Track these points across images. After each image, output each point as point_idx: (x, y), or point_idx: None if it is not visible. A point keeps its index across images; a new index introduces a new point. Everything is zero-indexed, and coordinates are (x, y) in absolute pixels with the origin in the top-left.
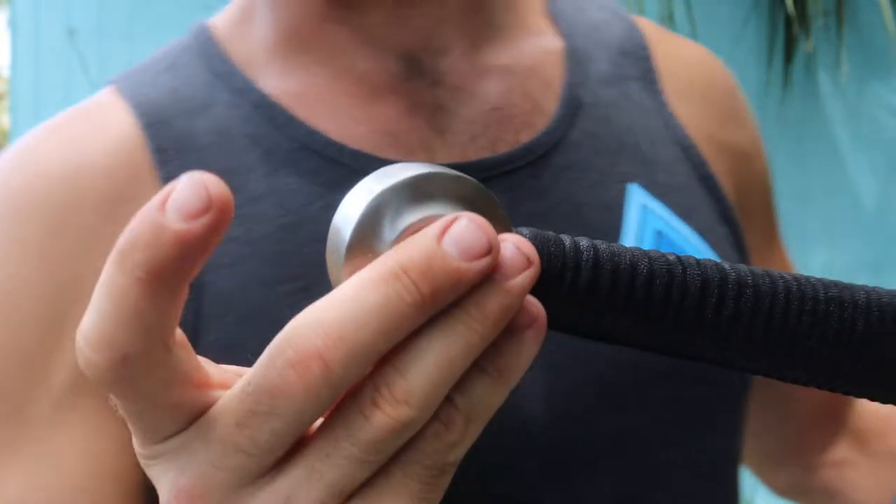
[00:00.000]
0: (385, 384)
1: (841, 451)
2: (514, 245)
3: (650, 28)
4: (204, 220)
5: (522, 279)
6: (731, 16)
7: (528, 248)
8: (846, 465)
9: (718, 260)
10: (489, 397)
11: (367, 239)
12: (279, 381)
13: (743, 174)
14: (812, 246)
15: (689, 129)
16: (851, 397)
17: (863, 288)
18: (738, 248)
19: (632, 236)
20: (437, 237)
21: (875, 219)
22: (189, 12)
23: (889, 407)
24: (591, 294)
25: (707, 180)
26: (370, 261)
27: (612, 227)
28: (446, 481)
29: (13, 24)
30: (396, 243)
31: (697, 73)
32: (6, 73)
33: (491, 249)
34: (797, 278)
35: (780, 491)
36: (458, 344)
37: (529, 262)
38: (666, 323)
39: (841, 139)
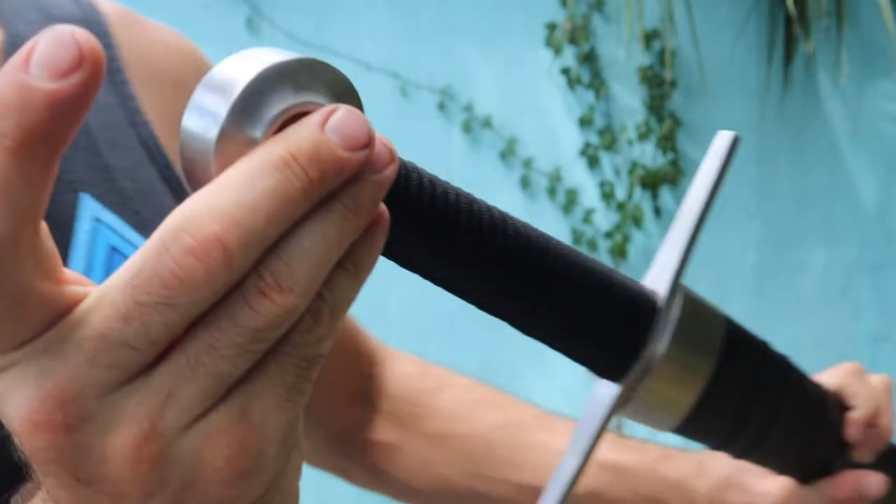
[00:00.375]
0: (270, 273)
1: (382, 432)
2: (381, 140)
3: (114, 11)
4: (76, 78)
5: (389, 172)
6: (731, 16)
7: (391, 144)
8: (389, 447)
9: None
10: (348, 292)
11: (244, 124)
12: (177, 269)
13: None
14: (812, 246)
15: (157, 124)
16: (375, 378)
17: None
18: None
19: (83, 254)
20: (321, 125)
21: (875, 219)
22: (187, 12)
23: (424, 389)
24: (429, 202)
25: (172, 183)
26: (245, 147)
27: (61, 242)
28: (315, 374)
29: None
30: (273, 130)
31: (168, 59)
32: None
33: (370, 141)
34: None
35: (330, 469)
36: (336, 233)
37: (393, 157)
38: (492, 244)
39: (841, 139)
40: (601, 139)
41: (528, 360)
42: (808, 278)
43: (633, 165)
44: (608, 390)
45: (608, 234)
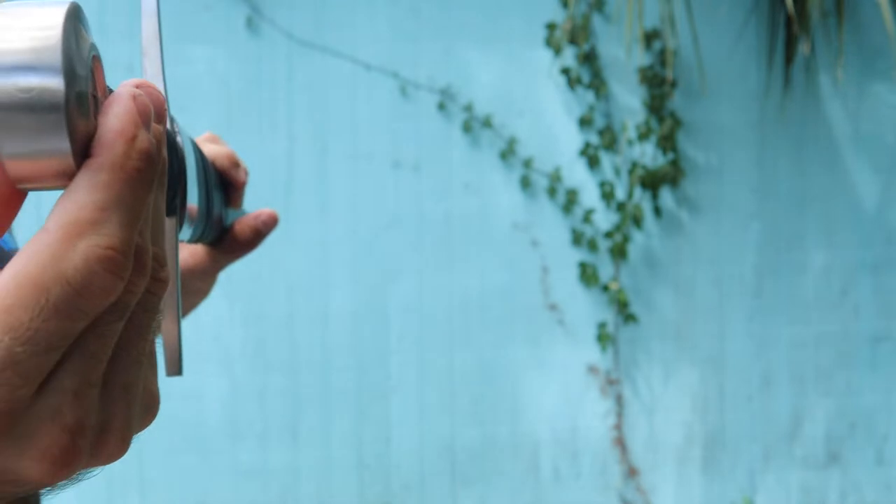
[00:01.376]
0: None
1: None
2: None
3: None
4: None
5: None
6: (731, 16)
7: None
8: None
9: None
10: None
11: (75, 66)
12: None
13: None
14: (812, 246)
15: None
16: None
17: None
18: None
19: None
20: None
21: (874, 219)
22: (189, 12)
23: None
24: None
25: None
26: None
27: None
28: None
29: None
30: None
31: None
32: None
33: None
34: None
35: None
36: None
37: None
38: None
39: (840, 139)
40: (601, 139)
41: (527, 360)
42: (808, 278)
43: (633, 165)
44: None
45: (608, 234)
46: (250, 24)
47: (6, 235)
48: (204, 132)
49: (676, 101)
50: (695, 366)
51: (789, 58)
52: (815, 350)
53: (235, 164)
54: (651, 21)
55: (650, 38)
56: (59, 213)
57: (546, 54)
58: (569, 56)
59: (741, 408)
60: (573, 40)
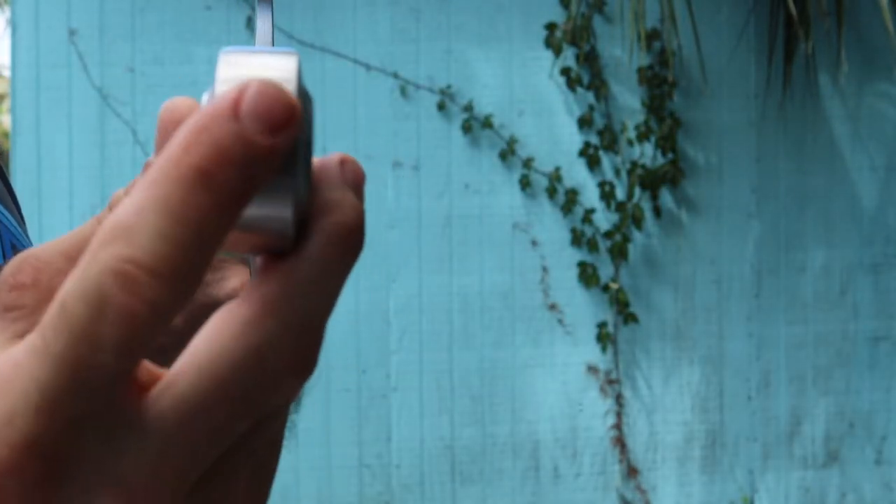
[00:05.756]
0: None
1: None
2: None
3: None
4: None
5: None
6: (731, 16)
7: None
8: None
9: None
10: None
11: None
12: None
13: None
14: (812, 246)
15: None
16: None
17: None
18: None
19: None
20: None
21: (874, 219)
22: (189, 13)
23: None
24: None
25: None
26: None
27: None
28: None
29: (13, 24)
30: None
31: None
32: (6, 73)
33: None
34: None
35: None
36: None
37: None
38: None
39: (840, 139)
40: (601, 139)
41: (528, 360)
42: (808, 278)
43: (633, 165)
44: None
45: (608, 234)
46: (251, 24)
47: (23, 236)
48: None
49: (676, 102)
50: (694, 366)
51: (789, 58)
52: (815, 350)
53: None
54: (651, 21)
55: (650, 38)
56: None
57: (546, 55)
58: (569, 56)
59: (741, 407)
60: (573, 41)
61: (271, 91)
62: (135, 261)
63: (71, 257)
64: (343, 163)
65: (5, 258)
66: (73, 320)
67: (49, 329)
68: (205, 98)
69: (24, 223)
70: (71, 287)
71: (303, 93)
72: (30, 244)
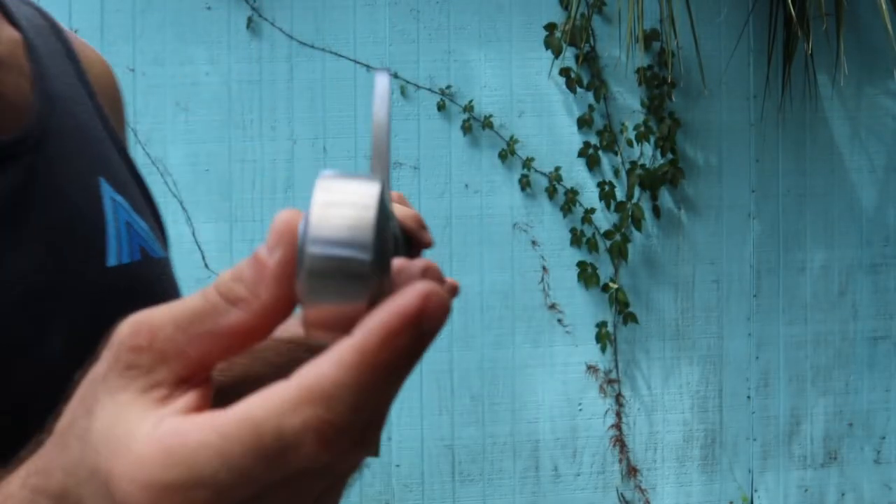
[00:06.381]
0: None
1: None
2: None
3: (62, 27)
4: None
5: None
6: (730, 16)
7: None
8: None
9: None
10: None
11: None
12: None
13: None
14: (812, 246)
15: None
16: None
17: None
18: (162, 241)
19: (112, 226)
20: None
21: (873, 219)
22: (189, 13)
23: None
24: None
25: (139, 180)
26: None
27: (98, 215)
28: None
29: None
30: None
31: (107, 79)
32: None
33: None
34: None
35: None
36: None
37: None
38: None
39: (840, 140)
40: (601, 140)
41: (527, 360)
42: (807, 278)
43: (633, 166)
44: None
45: (608, 234)
46: (251, 24)
47: (154, 243)
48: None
49: (675, 102)
50: (694, 365)
51: (788, 58)
52: (814, 350)
53: (422, 227)
54: (651, 21)
55: (650, 38)
56: (306, 373)
57: (546, 55)
58: (568, 57)
59: (740, 407)
60: (573, 41)
61: (445, 304)
62: (333, 425)
63: (180, 327)
64: (425, 297)
65: (135, 261)
66: (264, 445)
67: (237, 443)
68: (305, 217)
69: (161, 230)
70: (265, 422)
71: (384, 212)
72: (161, 252)
